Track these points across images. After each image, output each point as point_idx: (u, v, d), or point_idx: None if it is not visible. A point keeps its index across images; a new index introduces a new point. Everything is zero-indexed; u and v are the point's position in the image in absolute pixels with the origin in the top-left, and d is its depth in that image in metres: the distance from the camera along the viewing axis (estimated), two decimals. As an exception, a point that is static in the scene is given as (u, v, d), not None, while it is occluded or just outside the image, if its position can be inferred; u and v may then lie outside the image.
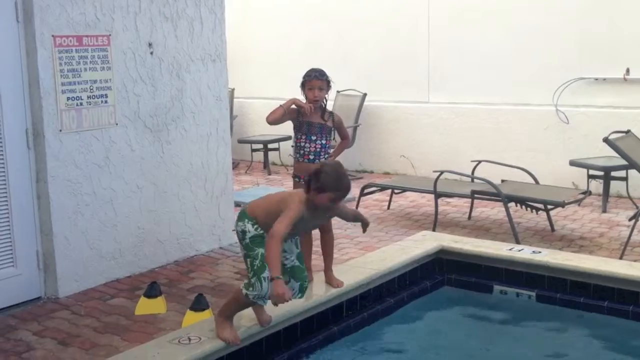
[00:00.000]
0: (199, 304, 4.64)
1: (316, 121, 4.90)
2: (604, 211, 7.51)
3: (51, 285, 5.28)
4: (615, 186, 7.82)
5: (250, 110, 10.96)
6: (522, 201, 6.75)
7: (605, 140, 6.36)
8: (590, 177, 7.79)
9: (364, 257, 5.52)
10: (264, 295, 3.83)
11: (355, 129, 9.44)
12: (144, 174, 5.82)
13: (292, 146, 5.04)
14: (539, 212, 6.95)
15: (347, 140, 5.23)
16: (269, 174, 10.04)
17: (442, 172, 7.01)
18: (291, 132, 5.04)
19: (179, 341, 3.92)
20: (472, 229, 7.04)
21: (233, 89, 10.22)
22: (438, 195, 7.00)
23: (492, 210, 7.60)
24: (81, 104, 5.35)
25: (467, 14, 9.09)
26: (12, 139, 5.05)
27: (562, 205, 6.48)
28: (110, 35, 5.50)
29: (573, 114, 8.40)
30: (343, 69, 9.29)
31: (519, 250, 5.43)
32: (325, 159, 4.88)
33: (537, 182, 7.23)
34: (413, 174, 9.32)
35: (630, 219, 6.43)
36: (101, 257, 5.54)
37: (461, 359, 4.58)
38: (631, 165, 6.48)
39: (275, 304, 3.85)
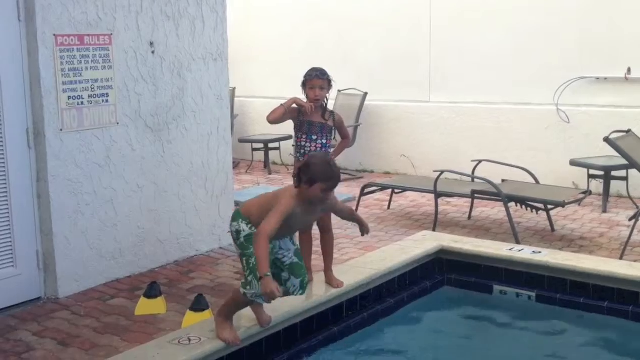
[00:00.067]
0: (199, 304, 4.64)
1: (317, 120, 4.90)
2: (604, 211, 7.51)
3: (51, 286, 5.28)
4: (616, 186, 7.82)
5: (251, 110, 10.96)
6: (522, 201, 6.75)
7: (606, 139, 6.35)
8: (590, 176, 7.79)
9: (364, 257, 5.53)
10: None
11: (355, 128, 9.44)
12: (144, 174, 5.82)
13: (293, 145, 5.04)
14: (539, 212, 6.95)
15: (347, 140, 5.23)
16: (270, 174, 10.04)
17: (442, 172, 7.01)
18: (292, 132, 5.04)
19: (179, 342, 3.92)
20: (472, 228, 7.04)
21: (234, 88, 10.23)
22: (438, 195, 7.00)
23: (492, 210, 7.60)
24: (82, 103, 5.35)
25: (468, 14, 9.10)
26: (13, 138, 5.05)
27: (563, 205, 6.48)
28: (111, 34, 5.50)
29: (574, 114, 8.40)
30: (344, 68, 9.28)
31: (519, 251, 5.43)
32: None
33: (537, 181, 7.23)
34: (413, 173, 9.32)
35: (630, 219, 6.43)
36: (101, 257, 5.54)
37: (461, 359, 4.58)
38: (632, 165, 6.47)
39: (268, 301, 3.85)
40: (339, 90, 9.62)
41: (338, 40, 10.07)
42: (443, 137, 9.36)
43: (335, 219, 4.78)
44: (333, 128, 4.98)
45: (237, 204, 6.60)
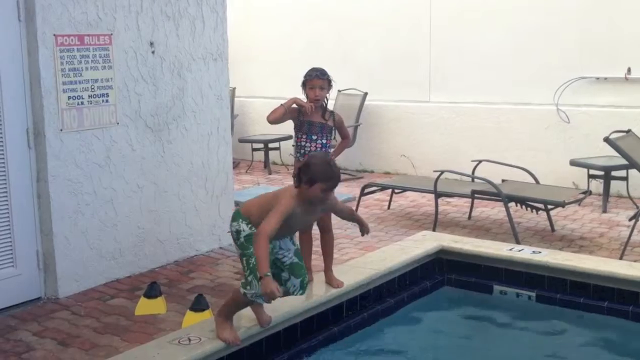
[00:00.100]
0: (199, 304, 4.64)
1: (317, 120, 4.90)
2: (604, 211, 7.51)
3: (51, 286, 5.28)
4: (616, 186, 7.82)
5: (251, 110, 10.96)
6: (522, 201, 6.75)
7: (606, 139, 6.35)
8: (590, 176, 7.79)
9: (364, 257, 5.53)
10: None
11: (355, 128, 9.45)
12: (144, 174, 5.82)
13: (293, 145, 5.04)
14: (539, 212, 6.95)
15: (347, 140, 5.23)
16: (270, 174, 10.04)
17: (442, 172, 7.01)
18: (292, 132, 5.04)
19: (179, 342, 3.92)
20: (472, 228, 7.04)
21: (234, 88, 10.23)
22: (438, 195, 7.00)
23: (492, 210, 7.60)
24: (82, 103, 5.35)
25: (468, 14, 9.10)
26: (13, 138, 5.05)
27: (563, 205, 6.48)
28: (111, 34, 5.50)
29: (574, 114, 8.40)
30: (344, 68, 9.28)
31: (519, 251, 5.43)
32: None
33: (537, 181, 7.23)
34: (413, 173, 9.32)
35: (630, 219, 6.43)
36: (101, 257, 5.54)
37: (461, 359, 4.58)
38: (632, 165, 6.47)
39: (268, 301, 3.85)
40: (339, 90, 9.62)
41: (338, 40, 10.07)
42: (443, 137, 9.36)
43: (335, 219, 4.78)
44: (333, 128, 4.98)
45: (237, 204, 6.60)
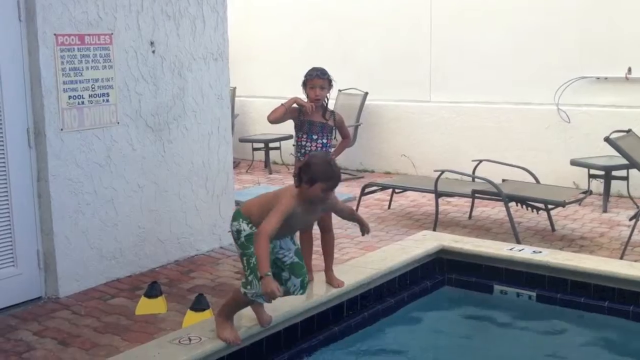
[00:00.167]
0: (199, 304, 4.64)
1: (317, 120, 4.90)
2: (605, 211, 7.51)
3: (51, 285, 5.28)
4: (616, 186, 7.83)
5: (251, 109, 10.96)
6: (522, 201, 6.75)
7: (607, 139, 6.35)
8: (591, 176, 7.79)
9: (364, 257, 5.52)
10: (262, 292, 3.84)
11: (356, 128, 9.45)
12: (145, 173, 5.82)
13: (294, 145, 5.04)
14: (539, 212, 6.95)
15: (348, 140, 5.23)
16: (270, 173, 10.04)
17: (443, 172, 7.01)
18: (292, 131, 5.04)
19: (179, 341, 3.92)
20: (473, 228, 7.04)
21: (234, 88, 10.23)
22: (439, 195, 7.00)
23: (492, 210, 7.60)
24: (83, 102, 5.35)
25: (468, 14, 9.10)
26: (13, 137, 5.05)
27: (563, 204, 6.48)
28: (112, 34, 5.50)
29: (574, 113, 8.40)
30: (344, 68, 9.28)
31: (520, 250, 5.43)
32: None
33: (538, 181, 7.23)
34: (414, 173, 9.32)
35: (630, 219, 6.43)
36: (102, 256, 5.54)
37: (461, 359, 4.58)
38: (632, 164, 6.47)
39: (269, 300, 3.86)
40: (340, 90, 9.62)
41: (338, 40, 10.08)
42: (443, 137, 9.36)
43: (335, 219, 4.78)
44: (333, 128, 4.97)
45: (237, 203, 6.60)
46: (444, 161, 8.62)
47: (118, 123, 5.60)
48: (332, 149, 5.01)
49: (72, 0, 5.21)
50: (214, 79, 6.34)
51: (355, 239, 6.53)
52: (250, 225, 3.91)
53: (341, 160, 9.39)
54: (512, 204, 6.78)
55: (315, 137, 4.88)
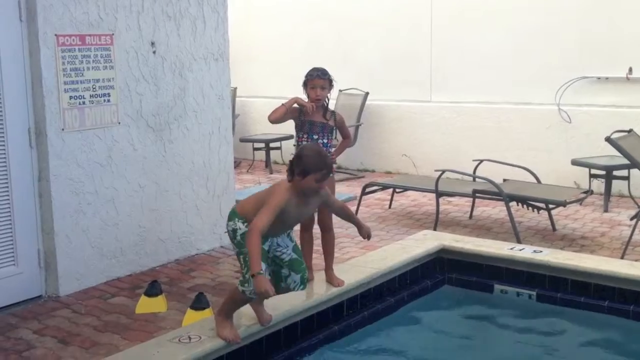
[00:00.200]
0: (199, 303, 4.65)
1: (318, 120, 4.90)
2: (606, 210, 7.51)
3: (52, 284, 5.29)
4: (617, 185, 7.83)
5: (252, 109, 10.97)
6: (523, 200, 6.75)
7: (607, 139, 6.35)
8: (592, 176, 7.80)
9: (364, 256, 5.53)
10: None
11: (357, 128, 9.45)
12: (145, 173, 5.83)
13: (294, 145, 5.04)
14: (540, 212, 6.95)
15: (348, 140, 5.23)
16: (271, 173, 10.04)
17: (443, 171, 7.01)
18: (293, 131, 5.04)
19: (179, 340, 3.93)
20: (473, 228, 7.04)
21: (235, 88, 10.24)
22: (439, 195, 7.00)
23: (493, 210, 7.60)
24: (84, 102, 5.36)
25: (468, 14, 9.11)
26: (15, 137, 5.06)
27: (564, 204, 6.48)
28: (113, 34, 5.51)
29: (575, 113, 8.40)
30: (345, 68, 9.29)
31: (520, 250, 5.43)
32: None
33: (538, 181, 7.23)
34: (415, 173, 9.32)
35: (631, 219, 6.42)
36: (102, 255, 5.55)
37: (461, 358, 4.58)
38: (633, 164, 6.47)
39: (264, 299, 3.86)
40: (340, 90, 9.62)
41: (339, 40, 10.08)
42: (444, 137, 9.36)
43: (335, 218, 4.78)
44: (334, 128, 4.98)
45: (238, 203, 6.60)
46: (444, 161, 8.63)
47: (119, 123, 5.61)
48: (333, 149, 5.02)
49: (73, 0, 5.22)
50: (215, 79, 6.35)
51: (355, 238, 6.52)
52: (245, 224, 3.91)
53: (342, 160, 9.43)
54: (513, 204, 6.78)
55: (315, 137, 4.89)
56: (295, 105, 4.88)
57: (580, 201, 6.99)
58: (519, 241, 6.27)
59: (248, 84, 10.81)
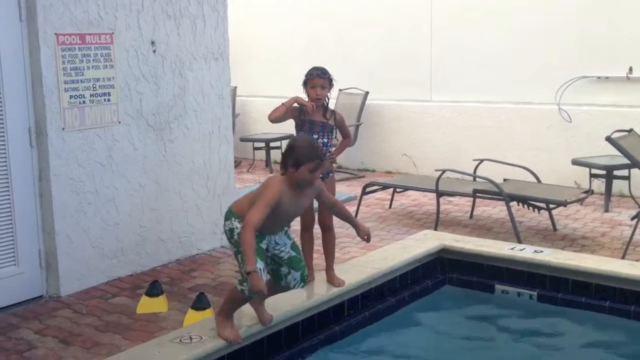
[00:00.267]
0: (200, 303, 4.64)
1: (318, 119, 4.89)
2: (606, 210, 7.51)
3: (53, 284, 5.29)
4: (618, 185, 7.82)
5: (252, 109, 10.97)
6: (524, 200, 6.75)
7: (608, 139, 6.35)
8: (592, 176, 7.79)
9: (365, 256, 5.52)
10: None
11: (357, 127, 9.44)
12: (146, 173, 5.83)
13: (294, 145, 5.03)
14: (541, 211, 6.94)
15: (348, 139, 5.23)
16: (271, 172, 10.03)
17: (444, 171, 7.01)
18: (293, 131, 5.04)
19: (180, 340, 3.93)
20: (474, 228, 7.04)
21: (235, 87, 10.23)
22: (440, 194, 7.00)
23: (494, 209, 7.60)
24: (84, 102, 5.35)
25: (468, 14, 9.10)
26: (15, 137, 5.05)
27: (564, 204, 6.47)
28: (113, 33, 5.50)
29: (576, 113, 8.40)
30: (345, 67, 9.28)
31: (521, 250, 5.43)
32: (327, 157, 4.87)
33: (539, 181, 7.23)
34: (415, 172, 9.32)
35: (632, 218, 6.42)
36: (103, 255, 5.55)
37: (462, 359, 4.58)
38: (634, 164, 6.46)
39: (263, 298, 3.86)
40: (340, 89, 9.62)
41: (338, 40, 10.08)
42: (444, 137, 9.36)
43: (335, 219, 4.77)
44: (334, 127, 4.97)
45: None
46: (445, 160, 8.63)
47: (119, 122, 5.60)
48: (333, 149, 5.01)
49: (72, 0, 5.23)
50: (215, 78, 6.35)
51: (356, 238, 6.47)
52: (242, 223, 3.90)
53: (342, 159, 9.42)
54: (514, 204, 6.78)
55: (315, 136, 4.88)
56: (296, 104, 4.87)
57: (580, 201, 6.99)
58: (519, 241, 6.27)
59: (248, 83, 10.81)
